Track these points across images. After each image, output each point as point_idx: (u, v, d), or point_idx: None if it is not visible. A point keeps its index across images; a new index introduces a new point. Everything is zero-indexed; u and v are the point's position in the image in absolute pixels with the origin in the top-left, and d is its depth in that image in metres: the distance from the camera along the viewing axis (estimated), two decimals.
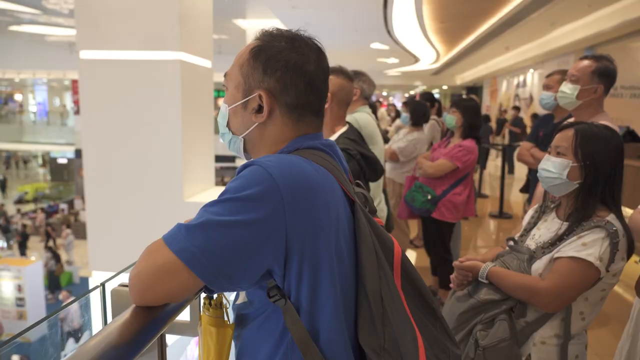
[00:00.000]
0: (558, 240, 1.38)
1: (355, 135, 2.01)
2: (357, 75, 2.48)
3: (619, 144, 1.37)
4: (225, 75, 0.92)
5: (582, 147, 1.36)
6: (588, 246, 1.30)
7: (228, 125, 0.91)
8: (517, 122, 10.38)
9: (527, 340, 1.39)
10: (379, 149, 2.40)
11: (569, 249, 1.33)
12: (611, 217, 1.35)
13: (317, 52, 0.87)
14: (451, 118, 3.15)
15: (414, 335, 0.80)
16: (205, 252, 0.71)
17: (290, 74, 0.84)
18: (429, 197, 3.10)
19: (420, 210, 3.15)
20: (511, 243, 1.55)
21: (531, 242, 1.48)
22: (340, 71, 1.99)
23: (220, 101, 0.94)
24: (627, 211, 1.77)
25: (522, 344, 1.39)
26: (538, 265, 1.38)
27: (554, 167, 1.40)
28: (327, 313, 0.77)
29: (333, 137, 1.96)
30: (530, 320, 1.38)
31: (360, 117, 2.37)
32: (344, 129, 2.01)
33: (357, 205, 0.84)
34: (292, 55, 0.84)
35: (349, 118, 2.39)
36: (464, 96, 5.37)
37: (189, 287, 0.74)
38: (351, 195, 0.85)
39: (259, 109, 0.85)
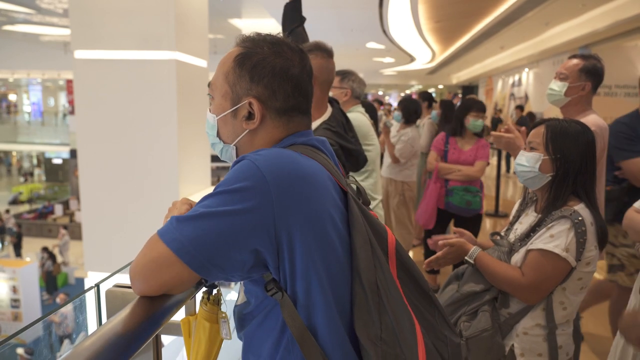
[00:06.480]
0: (532, 232, 1.43)
1: (337, 125, 1.84)
2: (347, 75, 2.44)
3: (589, 138, 1.42)
4: (209, 85, 0.92)
5: (553, 141, 1.42)
6: (555, 238, 1.35)
7: (218, 135, 0.92)
8: (523, 121, 10.23)
9: (510, 331, 1.43)
10: (375, 148, 2.40)
11: (539, 241, 1.37)
12: (579, 207, 1.38)
13: (300, 55, 0.89)
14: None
15: (412, 323, 0.80)
16: (193, 241, 0.74)
17: (277, 80, 0.85)
18: (478, 194, 3.28)
19: (477, 210, 3.27)
20: (497, 237, 1.59)
21: (512, 236, 1.54)
22: (317, 48, 1.78)
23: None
24: None
25: (506, 335, 1.43)
26: (517, 258, 1.43)
27: (527, 160, 1.46)
28: (321, 304, 0.78)
29: (313, 125, 1.78)
30: (513, 312, 1.43)
31: (355, 117, 2.35)
32: (326, 114, 1.85)
33: (349, 196, 0.85)
34: (277, 61, 0.86)
35: None
36: (462, 95, 5.45)
37: (184, 279, 0.76)
38: (343, 185, 0.86)
39: (249, 116, 0.87)
